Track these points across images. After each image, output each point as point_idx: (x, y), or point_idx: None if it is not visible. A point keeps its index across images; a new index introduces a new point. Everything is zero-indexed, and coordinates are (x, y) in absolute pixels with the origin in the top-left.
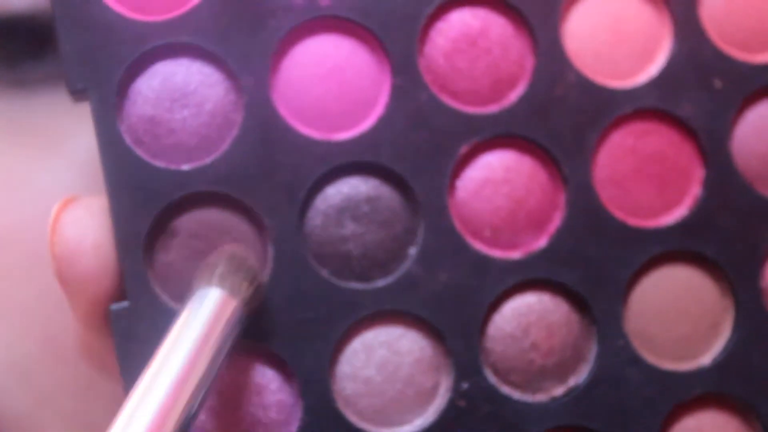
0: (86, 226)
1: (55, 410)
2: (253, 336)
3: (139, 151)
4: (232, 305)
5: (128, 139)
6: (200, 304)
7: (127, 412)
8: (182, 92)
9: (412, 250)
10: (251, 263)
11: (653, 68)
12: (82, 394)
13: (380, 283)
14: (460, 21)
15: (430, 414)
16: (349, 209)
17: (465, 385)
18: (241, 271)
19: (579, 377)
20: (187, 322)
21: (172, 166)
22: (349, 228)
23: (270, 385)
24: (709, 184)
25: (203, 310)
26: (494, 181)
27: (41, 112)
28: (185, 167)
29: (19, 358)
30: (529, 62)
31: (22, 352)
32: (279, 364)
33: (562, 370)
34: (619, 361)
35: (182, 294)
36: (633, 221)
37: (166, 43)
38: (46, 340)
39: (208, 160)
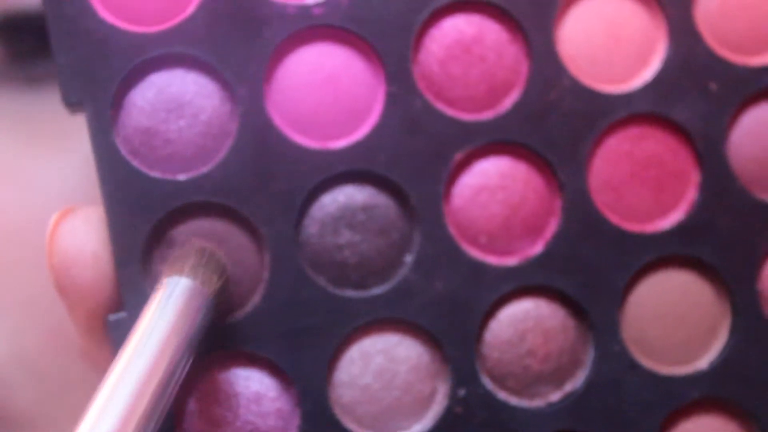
0: (84, 236)
1: (61, 404)
2: (250, 344)
3: (135, 162)
4: (204, 296)
5: (124, 151)
6: (172, 294)
7: (100, 401)
8: (177, 103)
9: (408, 258)
10: (220, 257)
11: (648, 72)
12: (89, 387)
13: (377, 290)
14: (454, 28)
15: (427, 421)
16: (344, 217)
17: (462, 392)
18: (212, 264)
19: (576, 383)
20: (159, 312)
21: (169, 177)
22: (345, 236)
23: (268, 393)
24: (705, 188)
25: (175, 299)
26: (489, 187)
27: (49, 109)
28: (181, 177)
29: (25, 353)
30: (523, 68)
31: (29, 346)
32: (277, 372)
33: (558, 376)
34: (616, 366)
35: None
36: (629, 226)
37: (161, 54)
38: (52, 335)
39: (204, 170)
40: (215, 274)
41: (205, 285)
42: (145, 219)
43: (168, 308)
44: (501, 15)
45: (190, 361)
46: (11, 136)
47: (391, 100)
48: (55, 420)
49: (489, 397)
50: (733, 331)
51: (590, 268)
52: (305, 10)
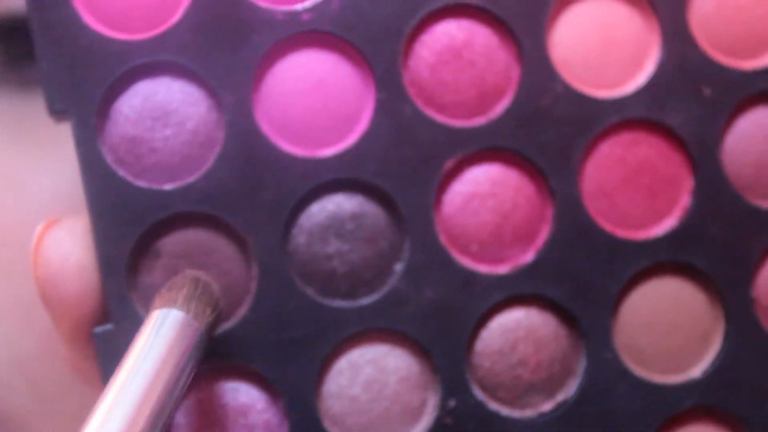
0: (69, 248)
1: (56, 407)
2: (238, 356)
3: (121, 172)
4: (196, 330)
5: (110, 160)
6: (163, 327)
7: None
8: (163, 111)
9: (398, 267)
10: (214, 289)
11: (641, 77)
12: (83, 391)
13: (366, 300)
14: (444, 33)
15: None
16: (333, 227)
17: (452, 403)
18: (205, 296)
19: (568, 392)
20: (149, 346)
21: (155, 186)
22: (334, 245)
23: (256, 405)
24: (698, 194)
25: (165, 333)
26: (480, 195)
27: (42, 113)
28: (168, 187)
29: (20, 356)
30: (515, 73)
31: (24, 349)
32: (265, 383)
33: (550, 386)
34: (608, 375)
35: None
36: (621, 233)
37: (147, 62)
38: (47, 338)
39: (190, 180)
40: (208, 306)
41: (198, 318)
42: (131, 229)
43: (158, 342)
44: (492, 19)
45: (183, 394)
46: (4, 140)
47: (380, 107)
48: (49, 423)
49: (480, 407)
50: (727, 338)
51: (582, 276)
52: (294, 15)
